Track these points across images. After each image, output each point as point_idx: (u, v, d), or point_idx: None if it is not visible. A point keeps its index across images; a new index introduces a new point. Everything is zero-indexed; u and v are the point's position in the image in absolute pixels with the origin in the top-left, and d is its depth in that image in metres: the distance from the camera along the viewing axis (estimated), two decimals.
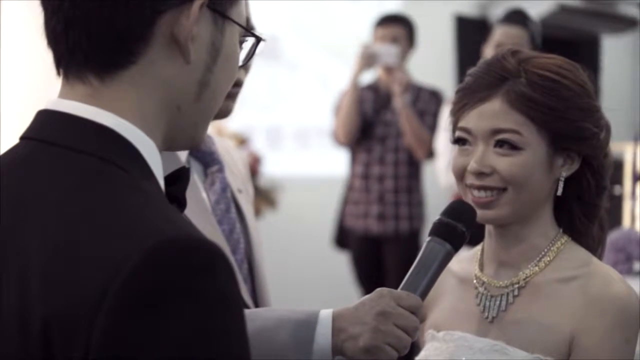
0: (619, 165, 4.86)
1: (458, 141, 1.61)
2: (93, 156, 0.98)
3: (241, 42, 1.19)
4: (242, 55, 1.22)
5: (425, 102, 4.78)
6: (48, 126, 1.02)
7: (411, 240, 4.72)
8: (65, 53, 1.02)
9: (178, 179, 1.09)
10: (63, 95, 1.04)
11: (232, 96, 1.75)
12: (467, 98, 1.59)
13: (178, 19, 1.01)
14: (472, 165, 1.56)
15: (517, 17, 4.31)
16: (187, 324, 0.88)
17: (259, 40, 1.16)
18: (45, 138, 1.01)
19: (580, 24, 7.07)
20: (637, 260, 3.58)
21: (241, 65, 1.14)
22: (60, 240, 0.93)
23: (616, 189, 4.78)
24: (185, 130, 1.08)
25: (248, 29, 1.13)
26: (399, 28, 4.82)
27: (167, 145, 1.07)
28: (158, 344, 0.87)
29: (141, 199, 0.96)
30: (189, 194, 1.72)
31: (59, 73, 1.05)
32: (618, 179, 4.79)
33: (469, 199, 1.59)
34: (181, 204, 1.08)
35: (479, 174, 1.56)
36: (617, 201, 4.67)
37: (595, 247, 1.65)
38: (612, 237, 3.60)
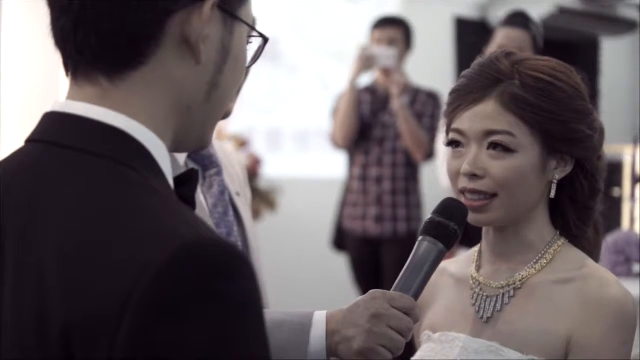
0: (618, 168, 4.85)
1: (451, 143, 1.61)
2: (105, 158, 0.98)
3: (247, 43, 1.18)
4: (249, 56, 1.22)
5: (423, 104, 4.79)
6: (57, 128, 1.01)
7: (409, 242, 4.67)
8: (74, 53, 1.01)
9: (187, 180, 1.08)
10: (71, 96, 1.03)
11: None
12: (460, 99, 1.59)
13: (189, 19, 1.00)
14: (465, 167, 1.56)
15: (519, 19, 4.29)
16: (212, 326, 0.88)
17: (266, 40, 1.16)
18: (55, 140, 1.00)
19: (579, 26, 7.07)
20: (636, 262, 3.58)
21: (248, 65, 1.14)
22: (78, 243, 0.92)
23: (615, 191, 4.79)
24: (194, 131, 1.07)
25: (257, 30, 1.13)
26: (396, 30, 4.83)
27: (176, 146, 1.06)
28: (183, 347, 0.87)
29: (157, 201, 0.96)
30: None
31: (67, 74, 1.04)
32: (617, 181, 4.79)
33: (462, 202, 1.59)
34: (190, 205, 1.07)
35: (472, 176, 1.56)
36: (617, 203, 4.67)
37: (591, 249, 1.65)
38: (612, 239, 3.60)
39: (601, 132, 1.63)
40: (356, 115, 4.75)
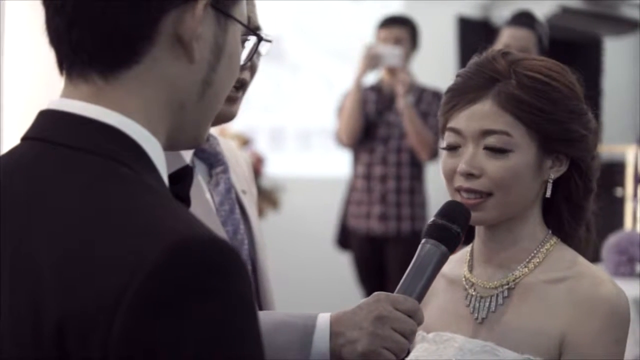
0: (620, 168, 4.87)
1: (449, 148, 1.61)
2: (100, 155, 0.98)
3: (243, 41, 1.19)
4: (244, 54, 1.22)
5: (428, 103, 4.79)
6: (52, 126, 1.02)
7: (413, 241, 4.67)
8: (69, 52, 1.02)
9: (182, 177, 1.09)
10: (66, 95, 1.03)
11: (236, 100, 1.74)
12: (456, 99, 1.60)
13: (183, 18, 1.01)
14: (462, 166, 1.57)
15: (524, 19, 4.29)
16: (206, 323, 0.89)
17: (260, 39, 1.16)
18: (50, 138, 1.01)
19: (582, 26, 7.06)
20: (639, 262, 3.59)
21: (242, 64, 1.14)
22: (73, 241, 0.93)
23: (618, 191, 4.79)
24: (188, 129, 1.08)
25: (250, 28, 1.14)
26: (402, 29, 4.83)
27: (170, 144, 1.07)
28: (177, 343, 0.88)
29: (152, 198, 0.96)
30: (193, 195, 1.73)
31: (61, 73, 1.05)
32: (620, 181, 4.80)
33: (458, 200, 1.59)
34: (185, 202, 1.08)
35: (468, 176, 1.57)
36: (619, 203, 4.68)
37: (583, 248, 1.65)
38: (614, 239, 3.61)
39: (595, 132, 1.63)
40: (361, 114, 4.76)
